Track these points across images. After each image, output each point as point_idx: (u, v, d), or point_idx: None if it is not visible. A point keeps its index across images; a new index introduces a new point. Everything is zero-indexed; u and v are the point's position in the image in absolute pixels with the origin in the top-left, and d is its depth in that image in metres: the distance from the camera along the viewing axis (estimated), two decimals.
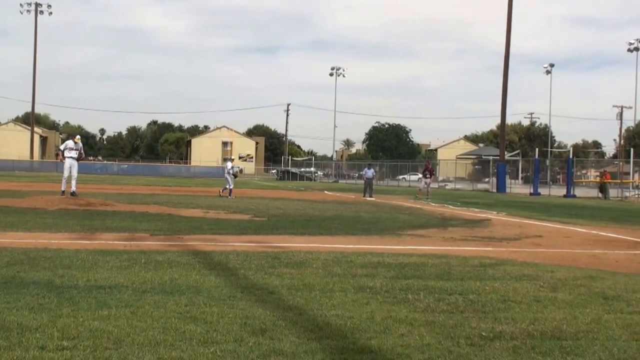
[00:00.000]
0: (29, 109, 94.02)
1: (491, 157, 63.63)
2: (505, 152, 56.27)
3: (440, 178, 66.56)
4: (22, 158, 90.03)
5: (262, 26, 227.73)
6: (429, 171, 36.64)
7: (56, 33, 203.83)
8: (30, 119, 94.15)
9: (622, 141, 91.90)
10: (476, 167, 73.56)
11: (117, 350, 4.75)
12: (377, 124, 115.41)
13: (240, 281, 7.54)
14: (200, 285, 7.14)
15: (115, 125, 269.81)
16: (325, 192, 40.40)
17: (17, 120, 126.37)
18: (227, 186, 28.05)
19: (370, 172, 34.79)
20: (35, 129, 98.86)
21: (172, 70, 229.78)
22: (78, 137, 23.03)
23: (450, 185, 61.01)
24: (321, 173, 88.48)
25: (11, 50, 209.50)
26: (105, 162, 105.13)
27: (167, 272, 7.91)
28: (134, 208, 18.89)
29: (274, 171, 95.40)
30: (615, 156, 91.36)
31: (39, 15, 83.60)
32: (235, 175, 29.03)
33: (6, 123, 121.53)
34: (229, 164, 29.39)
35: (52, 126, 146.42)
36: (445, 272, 8.68)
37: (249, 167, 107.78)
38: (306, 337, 5.21)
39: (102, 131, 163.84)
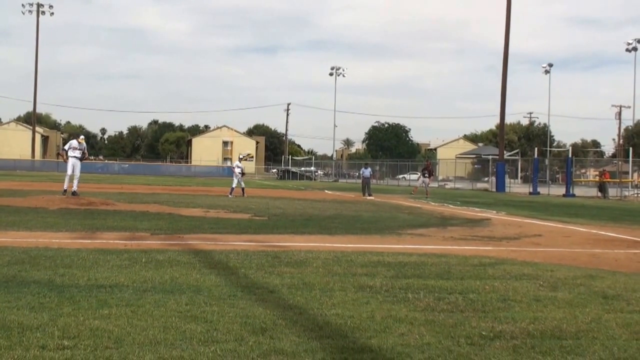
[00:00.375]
0: (31, 109, 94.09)
1: (490, 157, 63.66)
2: (505, 152, 56.22)
3: (440, 177, 66.52)
4: (24, 157, 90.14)
5: (261, 26, 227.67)
6: (429, 171, 36.67)
7: (57, 33, 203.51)
8: (31, 119, 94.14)
9: (621, 140, 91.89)
10: (475, 166, 73.57)
11: (118, 349, 4.73)
12: (376, 124, 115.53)
13: (241, 280, 7.52)
14: (200, 285, 7.13)
15: (116, 125, 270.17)
16: (326, 191, 40.39)
17: (18, 120, 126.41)
18: (233, 185, 27.79)
19: (367, 172, 34.98)
20: (37, 128, 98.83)
21: (172, 70, 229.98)
22: (82, 137, 22.99)
23: (449, 185, 60.99)
24: (321, 172, 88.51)
25: (13, 50, 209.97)
26: (106, 161, 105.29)
27: (167, 271, 7.90)
28: (135, 207, 18.87)
29: (274, 170, 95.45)
30: (614, 155, 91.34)
31: (40, 15, 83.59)
32: (242, 174, 28.43)
33: (8, 123, 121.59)
34: (237, 163, 29.09)
35: (54, 126, 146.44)
36: (445, 271, 8.66)
37: (249, 167, 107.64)
38: (306, 336, 5.19)
39: (103, 131, 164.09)
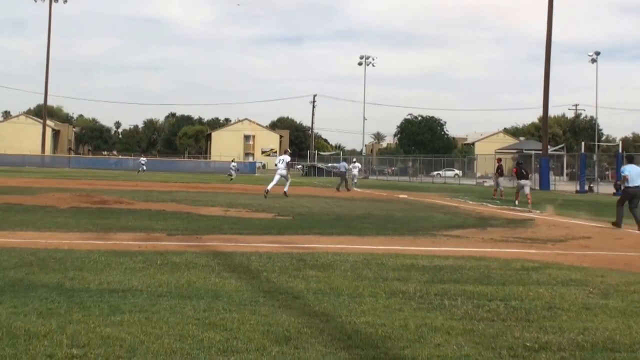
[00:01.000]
0: (42, 101, 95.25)
1: (533, 152, 62.98)
2: (549, 146, 55.67)
3: (478, 174, 66.11)
4: (33, 153, 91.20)
5: (286, 15, 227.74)
6: (501, 169, 35.80)
7: (72, 23, 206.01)
8: (42, 112, 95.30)
9: None
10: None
11: (131, 358, 4.73)
12: (409, 116, 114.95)
13: (263, 285, 7.50)
14: (219, 289, 7.12)
15: (132, 118, 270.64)
16: (355, 189, 40.32)
17: (28, 113, 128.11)
18: (288, 182, 26.51)
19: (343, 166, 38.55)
20: (48, 122, 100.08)
21: (192, 62, 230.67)
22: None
23: (489, 182, 60.57)
24: (349, 166, 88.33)
25: (24, 41, 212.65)
26: (120, 156, 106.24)
27: (184, 274, 7.91)
28: (150, 206, 18.99)
29: (299, 166, 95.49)
30: None
31: (53, 3, 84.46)
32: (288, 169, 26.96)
33: (17, 116, 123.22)
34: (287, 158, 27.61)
35: (65, 119, 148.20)
36: (484, 275, 8.57)
37: (272, 162, 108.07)
38: (334, 346, 5.15)
39: (118, 124, 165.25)
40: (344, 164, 39.76)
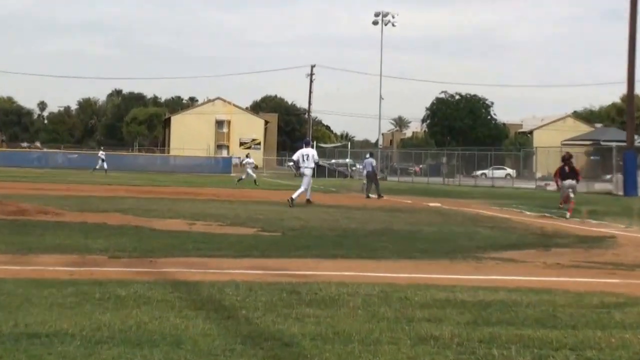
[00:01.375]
0: None
1: (614, 144, 63.12)
2: (636, 136, 55.61)
3: (539, 174, 66.13)
4: None
5: None
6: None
7: None
8: None
9: None
10: (592, 157, 73.01)
11: None
12: (443, 95, 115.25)
13: (241, 327, 7.49)
14: (181, 334, 7.10)
15: (62, 98, 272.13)
16: (370, 195, 40.34)
17: None
18: (304, 188, 27.45)
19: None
20: None
21: (144, 20, 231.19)
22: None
23: (554, 186, 60.64)
24: (361, 166, 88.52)
25: None
26: (45, 150, 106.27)
27: (132, 312, 7.89)
28: (86, 217, 18.98)
29: (291, 163, 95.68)
30: None
31: None
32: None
33: None
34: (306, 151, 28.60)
35: None
36: (548, 315, 8.55)
37: (256, 157, 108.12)
38: None
39: (43, 105, 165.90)
40: (370, 160, 38.77)
